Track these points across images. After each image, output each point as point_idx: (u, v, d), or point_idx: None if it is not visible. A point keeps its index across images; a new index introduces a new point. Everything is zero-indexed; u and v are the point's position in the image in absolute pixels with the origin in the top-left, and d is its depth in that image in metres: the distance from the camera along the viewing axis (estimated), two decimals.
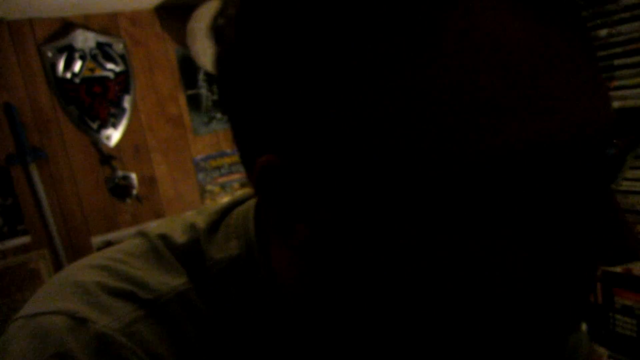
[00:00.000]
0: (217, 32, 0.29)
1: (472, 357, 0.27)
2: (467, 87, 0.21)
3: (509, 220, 0.22)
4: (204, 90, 2.14)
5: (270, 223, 0.29)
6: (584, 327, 1.06)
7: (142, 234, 0.36)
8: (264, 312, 0.33)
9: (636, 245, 0.23)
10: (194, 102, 2.12)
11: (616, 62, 1.09)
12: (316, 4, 0.23)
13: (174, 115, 2.08)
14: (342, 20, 0.22)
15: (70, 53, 1.84)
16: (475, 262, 0.23)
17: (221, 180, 2.18)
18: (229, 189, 2.20)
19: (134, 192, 1.97)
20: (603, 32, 1.09)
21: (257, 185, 0.27)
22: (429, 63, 0.21)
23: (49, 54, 1.81)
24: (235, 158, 2.19)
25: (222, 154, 2.17)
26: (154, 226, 0.37)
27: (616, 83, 1.10)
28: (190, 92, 2.11)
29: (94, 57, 1.89)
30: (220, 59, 0.29)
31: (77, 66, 1.86)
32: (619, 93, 1.09)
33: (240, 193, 0.40)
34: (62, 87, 1.84)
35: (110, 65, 1.93)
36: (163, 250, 0.34)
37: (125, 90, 1.96)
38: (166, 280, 0.32)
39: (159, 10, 2.02)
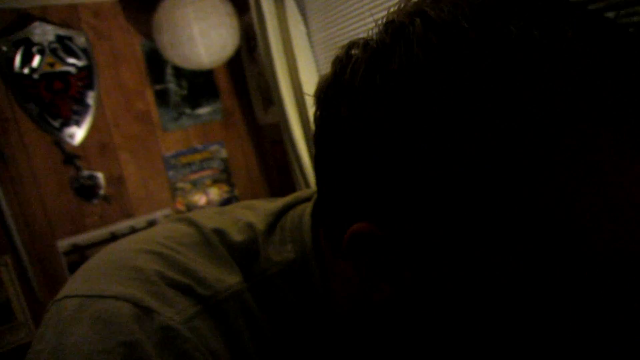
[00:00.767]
0: (327, 100, 0.30)
1: None
2: (568, 203, 0.23)
3: (596, 315, 0.24)
4: (172, 85, 2.07)
5: (348, 273, 0.31)
6: None
7: (192, 223, 0.36)
8: (316, 318, 0.33)
9: None
10: (162, 98, 2.05)
11: None
12: (434, 104, 0.24)
13: (141, 112, 2.01)
14: (462, 115, 0.24)
15: (28, 47, 1.75)
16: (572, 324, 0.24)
17: (192, 177, 2.13)
18: (200, 185, 2.15)
19: (101, 192, 1.90)
20: None
21: (347, 247, 0.29)
22: (539, 177, 0.23)
23: (4, 48, 1.71)
24: (207, 154, 2.14)
25: (193, 150, 2.12)
26: (196, 215, 0.38)
27: None
28: (158, 87, 2.04)
29: (53, 52, 1.80)
30: (325, 124, 0.31)
31: (36, 61, 1.77)
32: None
33: (293, 196, 0.40)
34: (19, 84, 1.74)
35: (71, 60, 1.84)
36: (217, 245, 0.34)
37: (89, 86, 1.88)
38: (222, 277, 0.32)
39: (123, 1, 1.94)
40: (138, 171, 2.00)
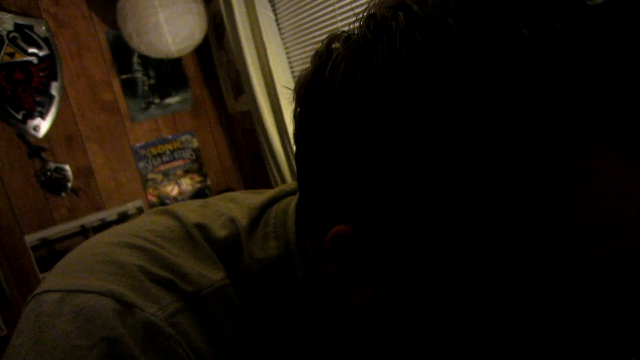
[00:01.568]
0: (307, 97, 0.29)
1: None
2: (562, 214, 0.22)
3: (585, 321, 0.24)
4: (139, 75, 2.03)
5: (336, 279, 0.30)
6: None
7: (175, 216, 0.36)
8: (300, 315, 0.33)
9: None
10: (129, 87, 2.01)
11: None
12: (419, 105, 0.24)
13: (108, 102, 1.96)
14: (449, 118, 0.23)
15: None
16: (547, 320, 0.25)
17: (163, 167, 2.10)
18: (172, 176, 2.12)
19: (69, 184, 1.86)
20: None
21: (329, 248, 0.28)
22: (530, 188, 0.22)
23: None
24: (177, 144, 2.12)
25: (163, 141, 2.09)
26: (180, 207, 0.37)
27: None
28: (124, 76, 2.00)
29: (12, 41, 1.73)
30: (304, 123, 0.30)
31: None
32: None
33: (278, 189, 0.39)
34: None
35: (32, 50, 1.78)
36: (200, 241, 0.34)
37: (52, 76, 1.82)
38: (205, 273, 0.32)
39: None
40: (107, 163, 1.96)
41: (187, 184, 2.16)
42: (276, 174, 1.77)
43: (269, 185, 1.87)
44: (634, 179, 0.22)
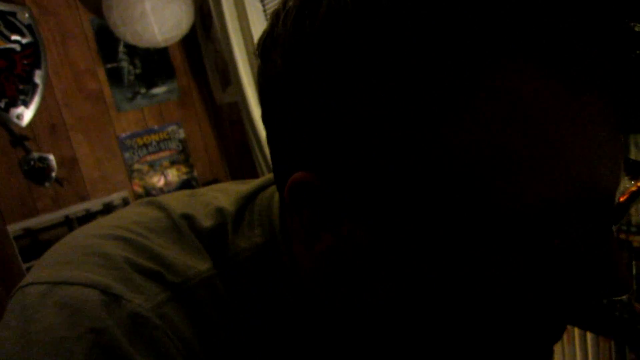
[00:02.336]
0: (264, 52, 0.30)
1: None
2: (496, 144, 0.23)
3: (522, 256, 0.25)
4: (125, 64, 2.01)
5: (296, 229, 0.30)
6: None
7: (161, 207, 0.36)
8: (287, 302, 0.34)
9: (627, 281, 0.26)
10: (115, 77, 1.99)
11: None
12: (363, 50, 0.24)
13: (93, 91, 1.94)
14: (390, 65, 0.24)
15: None
16: (490, 280, 0.26)
17: (149, 158, 2.09)
18: (158, 167, 2.11)
19: (54, 174, 1.83)
20: None
21: (289, 197, 0.29)
22: (464, 117, 0.23)
23: None
24: (164, 135, 2.11)
25: (149, 131, 2.08)
26: (166, 198, 0.37)
27: None
28: (110, 65, 1.98)
29: None
30: (264, 78, 0.30)
31: None
32: None
33: (265, 178, 0.39)
34: None
35: (15, 37, 1.75)
36: (187, 231, 0.34)
37: (36, 64, 1.79)
38: (191, 264, 0.32)
39: None
40: (92, 153, 1.94)
41: (174, 175, 2.15)
42: (263, 165, 1.77)
43: (255, 177, 1.86)
44: (570, 114, 0.23)
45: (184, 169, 2.18)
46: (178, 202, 0.36)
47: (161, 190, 2.12)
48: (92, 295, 0.28)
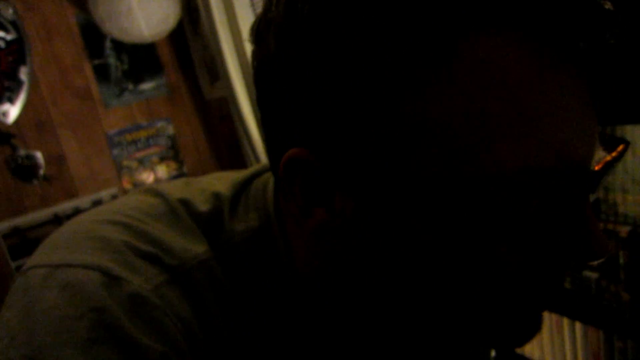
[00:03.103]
0: (258, 35, 0.31)
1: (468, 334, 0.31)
2: (473, 113, 0.24)
3: (500, 222, 0.26)
4: (112, 60, 1.99)
5: (290, 206, 0.31)
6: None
7: (158, 194, 0.36)
8: (281, 284, 0.34)
9: (603, 246, 0.27)
10: (102, 73, 1.97)
11: None
12: (348, 29, 0.25)
13: (80, 88, 1.92)
14: (371, 40, 0.25)
15: None
16: (473, 259, 0.26)
17: (139, 155, 2.07)
18: (147, 163, 2.10)
19: (41, 172, 1.82)
20: None
21: (283, 173, 0.29)
22: (440, 88, 0.24)
23: None
24: (152, 131, 2.09)
25: (138, 127, 2.06)
26: (163, 186, 0.38)
27: None
28: (97, 61, 1.95)
29: None
30: (258, 61, 0.31)
31: None
32: None
33: (261, 164, 0.41)
34: None
35: None
36: (184, 215, 0.35)
37: (21, 60, 1.77)
38: (188, 247, 0.33)
39: None
40: (80, 150, 1.93)
41: (164, 171, 2.14)
42: (253, 160, 1.76)
43: None
44: (543, 84, 0.24)
45: (173, 165, 2.17)
46: (175, 189, 0.37)
47: None
48: (93, 277, 0.29)
